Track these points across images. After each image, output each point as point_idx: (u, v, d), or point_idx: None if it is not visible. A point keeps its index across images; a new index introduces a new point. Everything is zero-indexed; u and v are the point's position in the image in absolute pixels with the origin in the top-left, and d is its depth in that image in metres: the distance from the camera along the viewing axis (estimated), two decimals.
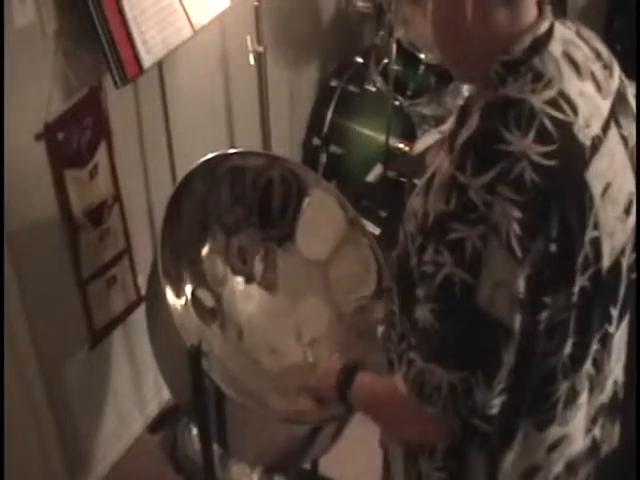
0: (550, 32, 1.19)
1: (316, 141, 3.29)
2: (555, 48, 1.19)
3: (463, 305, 1.13)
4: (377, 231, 2.79)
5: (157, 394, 2.73)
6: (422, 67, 3.06)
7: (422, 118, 3.13)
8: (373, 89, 3.19)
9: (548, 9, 1.21)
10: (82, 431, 2.48)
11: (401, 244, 1.30)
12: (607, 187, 1.19)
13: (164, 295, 1.60)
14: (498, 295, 1.11)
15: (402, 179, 3.06)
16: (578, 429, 1.35)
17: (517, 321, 1.13)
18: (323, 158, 3.27)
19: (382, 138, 3.10)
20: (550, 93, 1.15)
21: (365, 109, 3.23)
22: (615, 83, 1.27)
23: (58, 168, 2.07)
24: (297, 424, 1.71)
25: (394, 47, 2.92)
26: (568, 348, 1.23)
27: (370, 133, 3.24)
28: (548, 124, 1.12)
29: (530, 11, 1.18)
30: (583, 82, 1.20)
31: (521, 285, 1.11)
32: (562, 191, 1.13)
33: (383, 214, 3.07)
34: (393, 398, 1.27)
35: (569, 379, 1.27)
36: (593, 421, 1.38)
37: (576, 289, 1.18)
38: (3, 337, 1.97)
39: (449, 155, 1.19)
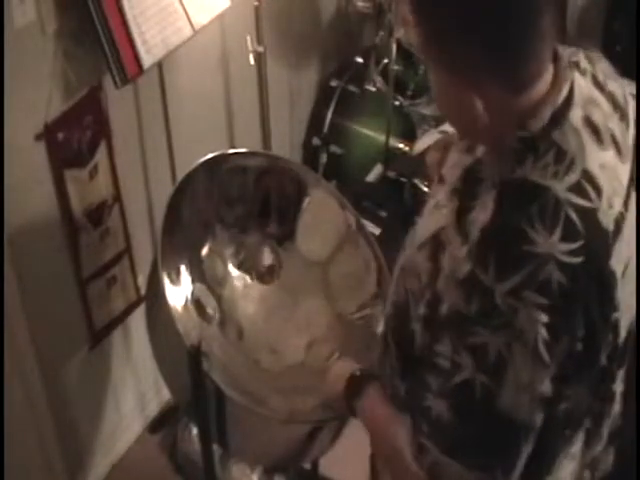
0: (570, 98, 1.09)
1: (316, 141, 3.29)
2: (575, 115, 1.09)
3: (483, 408, 1.07)
4: (377, 231, 2.79)
5: (157, 394, 2.73)
6: (422, 67, 3.07)
7: (422, 118, 3.13)
8: (373, 89, 3.19)
9: (565, 65, 1.11)
10: (82, 431, 2.48)
11: (399, 295, 1.24)
12: (626, 266, 1.13)
13: (164, 295, 1.60)
14: (521, 398, 1.06)
15: (402, 179, 3.06)
16: (569, 476, 1.30)
17: (539, 419, 1.09)
18: (323, 158, 3.27)
19: (382, 138, 3.10)
20: (574, 177, 1.06)
21: (365, 109, 3.23)
22: (631, 134, 1.17)
23: (58, 168, 2.07)
24: (297, 424, 1.71)
25: (394, 47, 2.92)
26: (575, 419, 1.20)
27: (370, 133, 3.24)
28: (574, 217, 1.04)
29: (546, 79, 1.09)
30: (604, 151, 1.11)
31: (547, 387, 1.07)
32: (588, 287, 1.06)
33: (383, 214, 3.07)
34: (401, 452, 1.19)
35: (569, 440, 1.23)
36: (583, 468, 1.33)
37: (596, 372, 1.15)
38: (3, 337, 1.97)
39: (459, 231, 1.10)
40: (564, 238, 1.03)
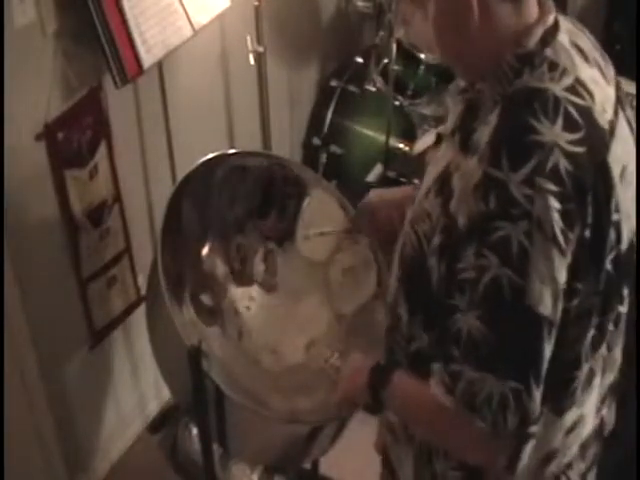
0: (557, 23, 1.21)
1: (316, 141, 3.29)
2: (564, 38, 1.21)
3: (514, 306, 1.11)
4: None
5: (157, 394, 2.73)
6: (422, 67, 3.06)
7: (422, 118, 3.13)
8: (373, 89, 3.19)
9: (550, 3, 1.23)
10: (82, 431, 2.48)
11: (410, 245, 1.28)
12: (623, 170, 1.20)
13: (164, 295, 1.60)
14: (545, 291, 1.11)
15: (402, 179, 3.05)
16: (591, 410, 1.35)
17: (559, 313, 1.14)
18: (323, 158, 3.27)
19: (382, 138, 3.10)
20: (568, 80, 1.16)
21: (365, 109, 3.23)
22: (612, 71, 1.29)
23: (58, 168, 2.07)
24: (297, 424, 1.71)
25: (394, 47, 2.92)
26: (591, 332, 1.24)
27: (370, 133, 3.24)
28: (572, 111, 1.14)
29: (533, 6, 1.20)
30: (592, 69, 1.22)
31: (564, 276, 1.12)
32: (593, 177, 1.14)
33: None
34: (439, 411, 1.22)
35: (589, 362, 1.28)
36: (602, 401, 1.39)
37: (603, 273, 1.19)
38: (3, 337, 1.97)
39: (466, 152, 1.18)
40: (566, 128, 1.12)
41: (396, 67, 2.98)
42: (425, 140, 3.02)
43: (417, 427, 1.40)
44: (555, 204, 1.09)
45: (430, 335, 1.29)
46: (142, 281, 2.39)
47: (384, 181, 3.12)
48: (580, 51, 1.22)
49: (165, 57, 2.11)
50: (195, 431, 2.42)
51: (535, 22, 1.19)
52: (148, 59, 2.02)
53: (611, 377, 1.40)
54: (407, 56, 3.03)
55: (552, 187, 1.09)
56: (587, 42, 1.27)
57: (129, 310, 2.47)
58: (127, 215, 2.36)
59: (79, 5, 1.89)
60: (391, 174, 3.10)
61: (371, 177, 3.15)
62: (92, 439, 2.53)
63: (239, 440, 1.72)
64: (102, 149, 2.19)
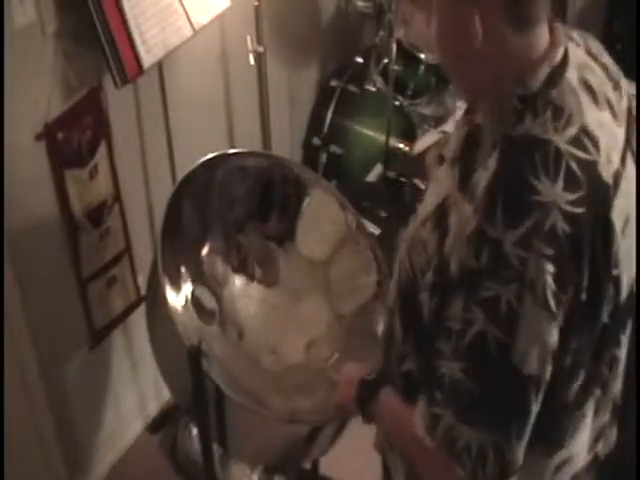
0: (566, 59, 1.14)
1: (316, 141, 3.29)
2: (572, 76, 1.14)
3: (498, 364, 1.09)
4: (377, 231, 2.79)
5: (157, 394, 2.73)
6: (422, 67, 3.06)
7: (422, 118, 3.13)
8: (373, 89, 3.19)
9: (561, 31, 1.16)
10: (82, 431, 2.48)
11: (405, 274, 1.26)
12: (626, 221, 1.16)
13: (164, 295, 1.60)
14: (532, 351, 1.08)
15: (402, 179, 3.05)
16: (582, 448, 1.33)
17: (548, 372, 1.11)
18: (323, 158, 3.27)
19: (382, 138, 3.10)
20: (572, 131, 1.10)
21: (365, 109, 3.23)
22: (624, 103, 1.22)
23: (58, 168, 2.07)
24: (297, 424, 1.71)
25: (394, 47, 2.92)
26: (581, 380, 1.21)
27: (370, 133, 3.24)
28: (575, 167, 1.08)
29: (543, 37, 1.13)
30: (601, 111, 1.15)
31: (555, 338, 1.09)
32: (591, 238, 1.09)
33: (383, 214, 3.07)
34: (420, 446, 1.20)
35: (580, 408, 1.26)
36: (596, 440, 1.37)
37: (598, 327, 1.16)
38: (3, 337, 1.97)
39: (463, 192, 1.13)
40: (567, 188, 1.07)
41: (396, 67, 2.98)
42: (425, 140, 3.02)
43: (401, 448, 1.39)
44: (549, 268, 1.05)
45: (419, 361, 1.28)
46: (142, 281, 2.39)
47: (384, 181, 3.13)
48: (589, 90, 1.15)
49: (165, 57, 2.11)
50: (195, 431, 2.43)
51: (543, 56, 1.12)
52: (148, 59, 2.02)
53: (605, 417, 1.37)
54: (407, 56, 3.03)
55: (548, 250, 1.05)
56: (598, 75, 1.19)
57: (129, 310, 2.47)
58: (127, 215, 2.36)
59: (79, 5, 1.89)
60: (391, 174, 3.10)
61: (371, 177, 3.15)
62: (92, 439, 2.53)
63: (239, 440, 1.72)
64: (102, 149, 2.19)
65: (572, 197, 1.07)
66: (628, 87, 1.24)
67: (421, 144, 3.04)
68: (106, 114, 2.17)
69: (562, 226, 1.06)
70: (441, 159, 1.33)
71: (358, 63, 3.30)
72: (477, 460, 1.13)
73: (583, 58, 1.19)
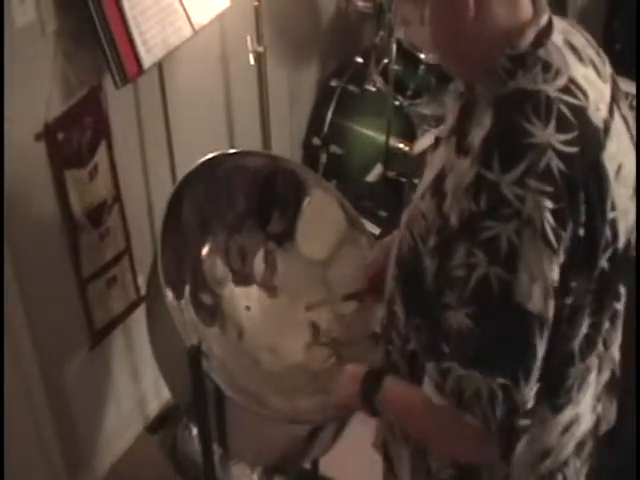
0: (550, 23, 1.21)
1: (316, 141, 3.29)
2: (557, 38, 1.21)
3: (502, 304, 1.12)
4: (377, 231, 2.79)
5: (157, 394, 2.73)
6: (422, 67, 3.06)
7: (422, 118, 3.13)
8: (373, 89, 3.19)
9: (544, 3, 1.23)
10: (82, 431, 2.48)
11: (406, 245, 1.29)
12: (619, 168, 1.21)
13: (164, 295, 1.60)
14: (534, 288, 1.12)
15: (402, 179, 3.05)
16: (587, 408, 1.36)
17: (551, 310, 1.14)
18: (323, 158, 3.27)
19: (382, 138, 3.10)
20: (561, 81, 1.17)
21: (365, 109, 3.23)
22: (608, 69, 1.29)
23: (58, 168, 2.07)
24: (297, 424, 1.71)
25: (394, 47, 2.92)
26: (584, 329, 1.24)
27: (370, 133, 3.24)
28: (566, 111, 1.14)
29: (527, 6, 1.20)
30: (586, 68, 1.22)
31: (556, 274, 1.13)
32: (585, 176, 1.14)
33: (383, 214, 3.07)
34: (430, 410, 1.24)
35: (584, 360, 1.28)
36: (598, 399, 1.40)
37: (597, 271, 1.20)
38: (3, 337, 1.97)
39: (460, 154, 1.19)
40: (559, 129, 1.13)
41: (396, 67, 2.98)
42: (425, 140, 3.02)
43: (410, 429, 1.41)
44: (547, 203, 1.10)
45: (425, 336, 1.30)
46: (142, 281, 2.39)
47: (384, 181, 3.13)
48: (574, 50, 1.23)
49: (165, 57, 2.11)
50: (195, 431, 2.43)
51: (528, 22, 1.19)
52: (148, 59, 2.01)
53: (607, 374, 1.40)
54: (407, 56, 3.03)
55: (544, 187, 1.10)
56: (581, 40, 1.27)
57: (129, 310, 2.47)
58: (127, 215, 2.36)
59: (79, 5, 1.89)
60: (391, 174, 3.10)
61: (371, 177, 3.15)
62: (92, 439, 2.53)
63: (239, 440, 1.72)
64: (102, 149, 2.19)
65: (565, 137, 1.13)
66: (609, 65, 1.31)
67: (421, 144, 3.03)
68: (106, 114, 2.17)
69: (557, 164, 1.11)
70: (436, 144, 1.36)
71: (358, 63, 3.30)
72: (487, 405, 1.15)
73: (566, 26, 1.27)
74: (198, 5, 2.15)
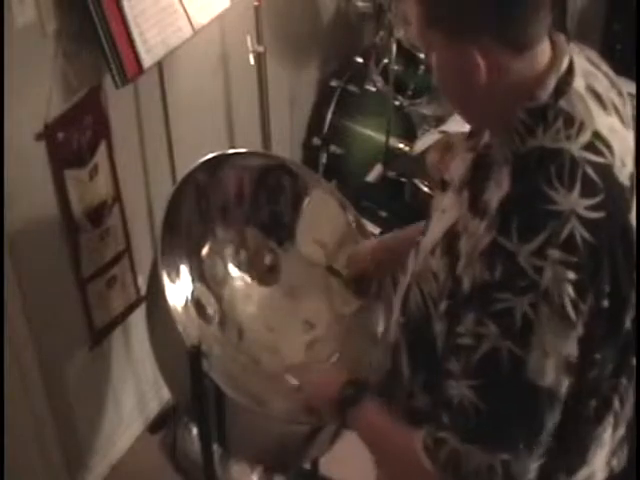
0: (571, 67, 1.13)
1: (316, 141, 3.29)
2: (579, 84, 1.13)
3: (511, 379, 1.06)
4: (377, 231, 2.79)
5: (157, 394, 2.73)
6: (422, 67, 3.07)
7: (422, 118, 3.13)
8: (373, 89, 3.19)
9: (563, 41, 1.15)
10: (82, 431, 2.48)
11: (414, 303, 1.23)
12: None
13: (164, 295, 1.60)
14: (547, 363, 1.05)
15: (402, 179, 3.05)
16: (601, 465, 1.29)
17: (564, 385, 1.08)
18: (323, 158, 3.27)
19: (382, 138, 3.10)
20: (585, 137, 1.09)
21: (365, 109, 3.23)
22: (629, 110, 1.21)
23: (58, 168, 2.07)
24: (297, 424, 1.71)
25: (394, 47, 2.92)
26: (603, 392, 1.18)
27: (370, 133, 3.24)
28: (591, 173, 1.06)
29: (545, 50, 1.12)
30: (609, 117, 1.15)
31: (574, 349, 1.06)
32: (612, 243, 1.07)
33: (383, 214, 3.07)
34: (417, 463, 1.16)
35: (601, 423, 1.22)
36: (613, 454, 1.33)
37: (622, 336, 1.13)
38: (3, 337, 1.97)
39: (475, 214, 1.11)
40: (584, 194, 1.05)
41: (396, 67, 2.98)
42: (425, 140, 3.02)
43: (383, 465, 1.37)
44: (569, 275, 1.03)
45: (430, 399, 1.25)
46: (142, 281, 2.39)
47: (384, 181, 3.13)
48: (597, 97, 1.14)
49: (165, 57, 2.11)
50: (195, 431, 2.42)
51: (548, 69, 1.11)
52: (148, 59, 2.01)
53: (622, 430, 1.31)
54: (407, 56, 3.03)
55: (566, 257, 1.03)
56: (604, 82, 1.18)
57: (129, 310, 2.47)
58: (127, 215, 2.36)
59: (79, 5, 1.89)
60: (391, 174, 3.11)
61: (371, 177, 3.16)
62: (92, 439, 2.53)
63: (239, 440, 1.72)
64: (102, 149, 2.19)
65: (590, 202, 1.05)
66: (627, 91, 1.24)
67: (421, 144, 3.04)
68: (106, 114, 2.17)
69: (581, 232, 1.04)
70: (444, 185, 1.30)
71: (358, 63, 3.31)
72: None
73: (586, 66, 1.18)
74: (198, 5, 2.15)
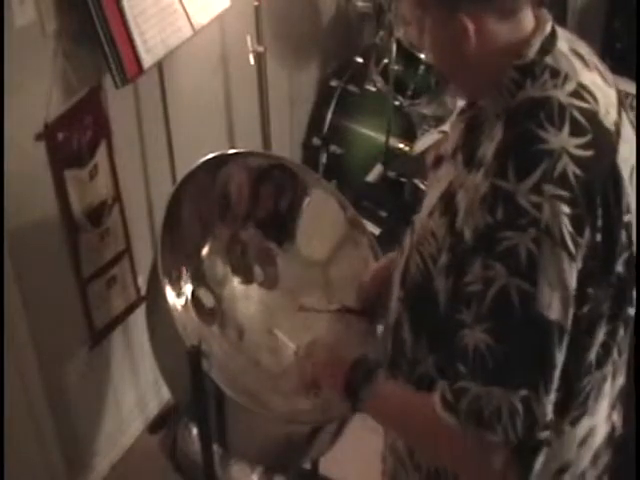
0: (554, 31, 1.21)
1: (316, 141, 3.29)
2: (563, 45, 1.21)
3: (523, 315, 1.10)
4: (377, 231, 2.79)
5: (157, 394, 2.73)
6: (422, 67, 3.07)
7: (422, 118, 3.13)
8: (373, 89, 3.19)
9: (544, 12, 1.23)
10: (82, 431, 2.48)
11: (414, 266, 1.26)
12: (632, 171, 1.21)
13: (164, 295, 1.60)
14: (554, 296, 1.10)
15: (402, 179, 3.06)
16: (602, 418, 1.35)
17: (570, 319, 1.13)
18: (323, 158, 3.27)
19: (382, 138, 3.10)
20: (571, 86, 1.17)
21: (365, 109, 3.23)
22: (610, 76, 1.29)
23: (58, 168, 2.07)
24: (297, 424, 1.71)
25: (394, 47, 2.92)
26: (601, 337, 1.23)
27: (370, 133, 3.24)
28: (578, 115, 1.14)
29: (529, 18, 1.20)
30: (592, 73, 1.22)
31: (574, 281, 1.12)
32: (602, 180, 1.14)
33: (383, 214, 3.07)
34: (439, 427, 1.19)
35: (601, 369, 1.27)
36: (613, 406, 1.38)
37: (614, 277, 1.19)
38: (3, 337, 1.97)
39: (470, 168, 1.18)
40: (573, 133, 1.13)
41: (396, 67, 2.98)
42: (425, 140, 3.02)
43: (405, 437, 1.37)
44: (564, 209, 1.09)
45: (435, 357, 1.27)
46: (142, 281, 2.39)
47: (384, 181, 3.13)
48: (579, 57, 1.22)
49: (165, 57, 2.11)
50: (195, 431, 2.42)
51: (533, 32, 1.19)
52: (148, 59, 2.02)
53: (621, 381, 1.38)
54: (407, 56, 3.03)
55: (561, 192, 1.09)
56: (586, 48, 1.27)
57: (129, 310, 2.47)
58: (127, 215, 2.36)
59: (79, 5, 1.89)
60: (391, 174, 3.11)
61: (371, 177, 3.16)
62: (92, 439, 2.53)
63: (239, 440, 1.72)
64: (102, 149, 2.19)
65: (579, 141, 1.12)
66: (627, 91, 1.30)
67: (421, 144, 3.04)
68: (106, 114, 2.18)
69: (573, 169, 1.11)
70: (438, 161, 1.34)
71: (358, 63, 3.31)
72: (508, 421, 1.12)
73: (569, 36, 1.27)
74: (198, 5, 2.15)
